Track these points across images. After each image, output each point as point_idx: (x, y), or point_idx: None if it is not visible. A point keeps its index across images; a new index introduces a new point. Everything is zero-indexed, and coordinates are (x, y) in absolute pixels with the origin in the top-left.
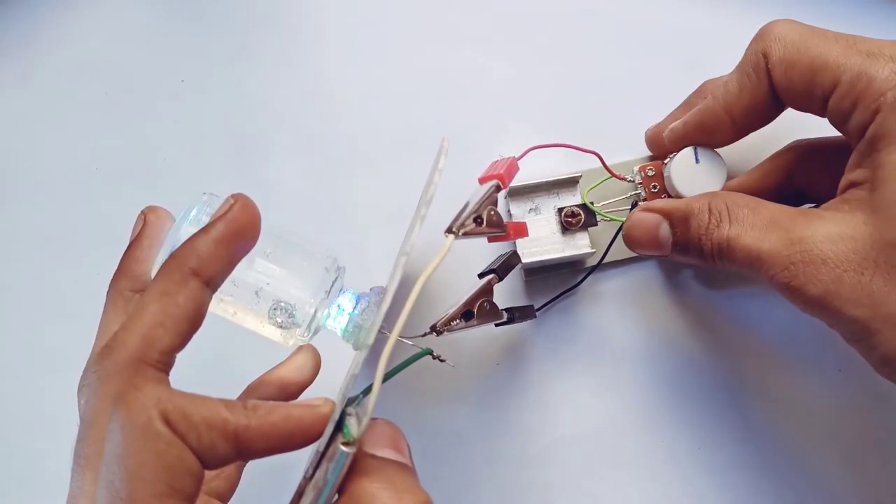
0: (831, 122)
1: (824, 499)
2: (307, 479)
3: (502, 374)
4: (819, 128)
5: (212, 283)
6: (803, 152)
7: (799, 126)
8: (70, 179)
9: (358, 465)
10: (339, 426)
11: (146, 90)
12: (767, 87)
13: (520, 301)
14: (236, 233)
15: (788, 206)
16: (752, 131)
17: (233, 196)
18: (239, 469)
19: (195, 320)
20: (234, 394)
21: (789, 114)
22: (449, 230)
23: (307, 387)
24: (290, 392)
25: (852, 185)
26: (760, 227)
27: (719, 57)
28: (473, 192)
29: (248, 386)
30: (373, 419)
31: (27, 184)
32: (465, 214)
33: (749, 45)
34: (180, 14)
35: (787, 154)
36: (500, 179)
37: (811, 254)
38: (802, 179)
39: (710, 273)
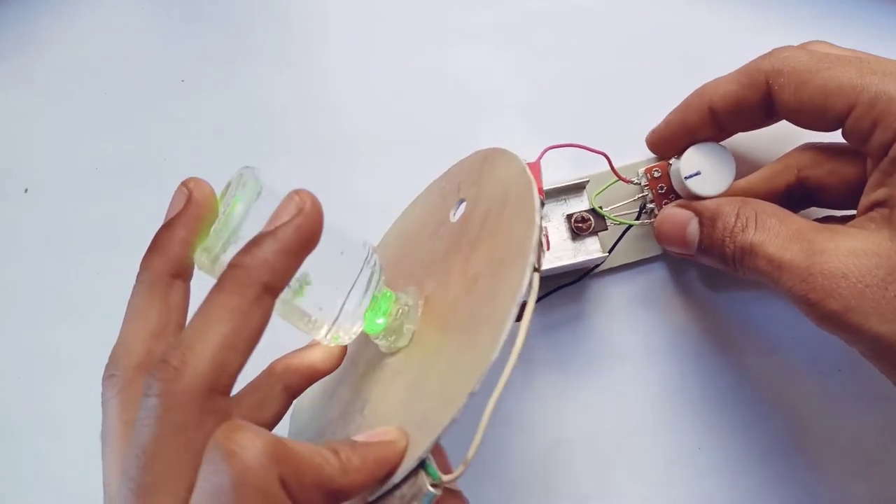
0: (848, 141)
1: (824, 499)
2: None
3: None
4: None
5: (277, 295)
6: (815, 154)
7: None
8: (70, 179)
9: None
10: (421, 463)
11: (146, 90)
12: (756, 100)
13: None
14: (307, 241)
15: (814, 222)
16: (736, 131)
17: (299, 195)
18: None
19: (260, 337)
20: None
21: None
22: (534, 268)
23: (331, 373)
24: (314, 379)
25: (876, 204)
26: (785, 237)
27: (726, 57)
28: None
29: (271, 367)
30: None
31: (27, 184)
32: (535, 245)
33: (752, 61)
34: (180, 14)
35: (798, 155)
36: (540, 194)
37: (831, 266)
38: (813, 182)
39: (713, 275)
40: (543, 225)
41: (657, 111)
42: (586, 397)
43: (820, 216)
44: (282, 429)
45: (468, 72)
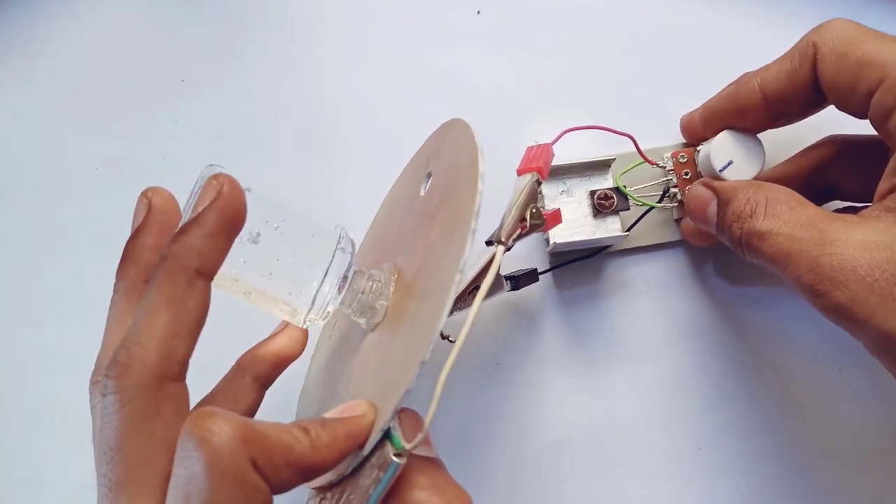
0: (872, 121)
1: (824, 498)
2: (345, 476)
3: (502, 374)
4: (856, 126)
5: (212, 277)
6: (838, 147)
7: (836, 122)
8: (70, 179)
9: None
10: (385, 433)
11: (146, 90)
12: (809, 75)
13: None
14: (231, 221)
15: (829, 211)
16: (786, 119)
17: (216, 179)
18: (260, 395)
19: (204, 320)
20: (214, 365)
21: (827, 110)
22: (498, 241)
23: (297, 358)
24: (282, 367)
25: (891, 190)
26: (794, 226)
27: (727, 57)
28: (513, 187)
29: (239, 361)
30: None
31: (26, 183)
32: (509, 220)
33: (803, 36)
34: (180, 14)
35: (820, 148)
36: (539, 172)
37: (841, 258)
38: (834, 175)
39: (713, 273)
40: (564, 200)
41: (659, 110)
42: (584, 397)
43: (841, 208)
44: (290, 408)
45: (468, 72)
